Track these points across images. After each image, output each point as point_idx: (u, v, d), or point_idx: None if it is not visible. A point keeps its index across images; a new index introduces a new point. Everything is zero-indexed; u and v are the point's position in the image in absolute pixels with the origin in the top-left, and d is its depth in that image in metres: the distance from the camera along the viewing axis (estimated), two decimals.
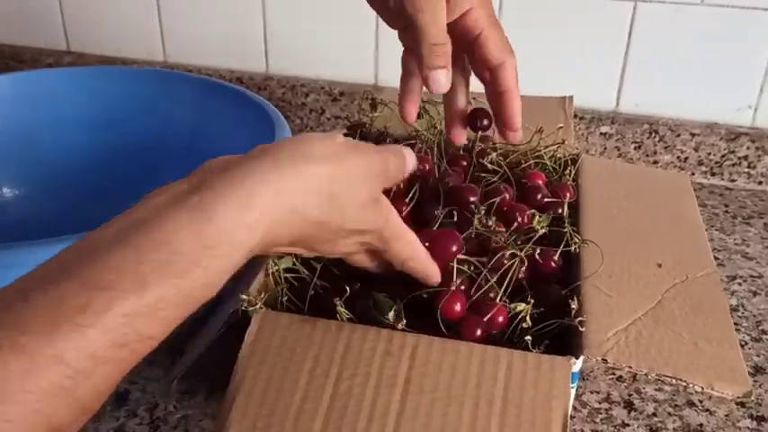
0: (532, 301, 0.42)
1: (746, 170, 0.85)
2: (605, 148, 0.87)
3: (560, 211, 0.51)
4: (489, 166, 0.55)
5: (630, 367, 0.38)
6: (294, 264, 0.45)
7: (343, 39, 0.92)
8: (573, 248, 0.47)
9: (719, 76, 0.82)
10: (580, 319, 0.41)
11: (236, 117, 0.65)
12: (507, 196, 0.51)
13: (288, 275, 0.46)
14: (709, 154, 0.85)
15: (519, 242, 0.47)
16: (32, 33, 1.03)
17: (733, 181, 0.85)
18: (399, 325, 0.41)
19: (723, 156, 0.85)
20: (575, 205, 0.53)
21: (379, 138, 0.61)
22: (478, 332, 0.41)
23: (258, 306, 0.42)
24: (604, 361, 0.39)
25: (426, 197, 0.49)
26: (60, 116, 0.68)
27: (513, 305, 0.42)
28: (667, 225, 0.52)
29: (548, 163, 0.58)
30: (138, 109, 0.69)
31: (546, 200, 0.51)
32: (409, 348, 0.39)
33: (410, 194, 0.48)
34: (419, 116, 0.59)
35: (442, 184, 0.50)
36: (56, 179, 0.68)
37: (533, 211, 0.49)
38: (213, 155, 0.65)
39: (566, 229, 0.47)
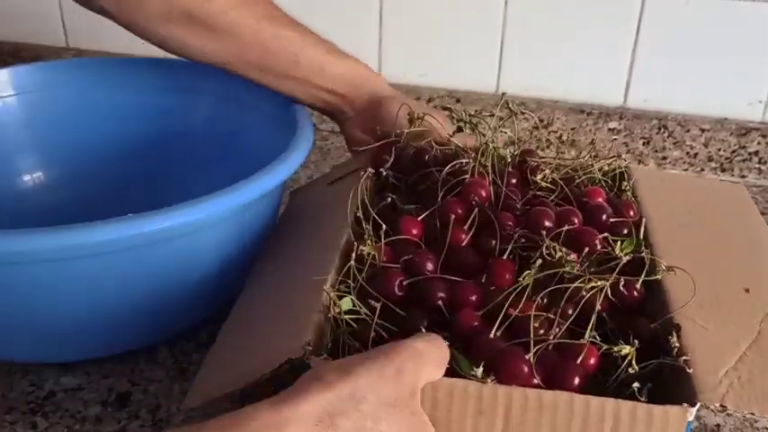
0: (636, 342, 0.38)
1: (757, 166, 0.83)
2: (613, 145, 0.85)
3: (625, 231, 0.47)
4: (543, 183, 0.51)
5: (753, 414, 0.34)
6: (354, 304, 0.42)
7: (345, 37, 0.91)
8: (659, 276, 0.42)
9: (729, 71, 0.81)
10: (685, 358, 0.36)
11: (260, 110, 0.65)
12: (577, 220, 0.46)
13: (347, 317, 0.41)
14: (720, 150, 0.83)
15: (591, 270, 0.42)
16: (33, 30, 1.02)
17: (743, 177, 0.84)
18: (489, 380, 0.36)
19: (733, 151, 0.83)
20: (636, 224, 0.47)
21: (418, 157, 0.54)
22: (577, 380, 0.36)
23: (324, 357, 0.38)
24: (723, 407, 0.34)
25: (486, 224, 0.45)
26: (87, 105, 0.68)
27: (613, 347, 0.37)
28: (741, 243, 0.48)
29: (600, 177, 0.54)
30: (167, 100, 0.69)
31: (611, 220, 0.47)
32: (502, 406, 0.35)
33: (468, 222, 0.45)
34: (459, 129, 0.57)
35: (505, 209, 0.46)
36: (81, 167, 0.68)
37: (605, 234, 0.45)
38: (236, 149, 0.65)
39: (642, 253, 0.43)
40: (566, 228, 0.44)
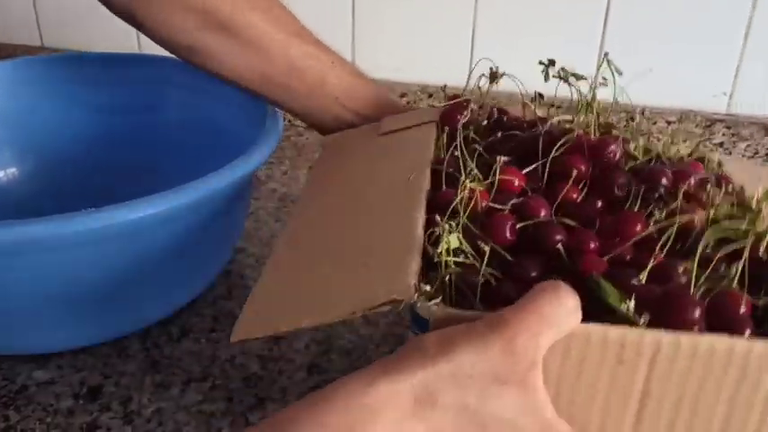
0: None
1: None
2: None
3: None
4: (635, 153, 0.48)
5: None
6: (461, 243, 0.37)
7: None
8: None
9: (695, 63, 0.83)
10: None
11: (231, 102, 0.66)
12: (692, 181, 0.43)
13: (453, 259, 0.36)
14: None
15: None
16: (7, 30, 1.02)
17: None
18: (642, 319, 0.33)
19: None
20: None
21: (500, 119, 0.52)
22: (747, 331, 0.33)
23: (436, 302, 0.34)
24: None
25: (597, 184, 0.44)
26: (60, 101, 0.69)
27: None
28: None
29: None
30: (140, 93, 0.70)
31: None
32: (648, 354, 0.32)
33: (584, 182, 0.44)
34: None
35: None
36: (54, 162, 0.69)
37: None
38: (209, 136, 0.65)
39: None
40: (687, 181, 0.42)
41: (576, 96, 0.50)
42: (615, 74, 0.48)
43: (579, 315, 0.33)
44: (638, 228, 0.39)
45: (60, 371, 0.53)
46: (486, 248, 0.36)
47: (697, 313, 0.33)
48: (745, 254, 0.35)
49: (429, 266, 0.37)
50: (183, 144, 0.69)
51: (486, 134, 0.51)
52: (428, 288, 0.35)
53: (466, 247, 0.37)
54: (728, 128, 0.84)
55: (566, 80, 0.50)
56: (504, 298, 0.35)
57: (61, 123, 0.68)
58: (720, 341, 0.31)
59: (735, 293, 0.34)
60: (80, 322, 0.52)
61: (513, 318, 0.32)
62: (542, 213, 0.40)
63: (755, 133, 0.84)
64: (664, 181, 0.43)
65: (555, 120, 0.50)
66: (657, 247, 0.37)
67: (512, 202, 0.41)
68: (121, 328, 0.56)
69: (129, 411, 0.50)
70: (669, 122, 0.84)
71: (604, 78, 0.49)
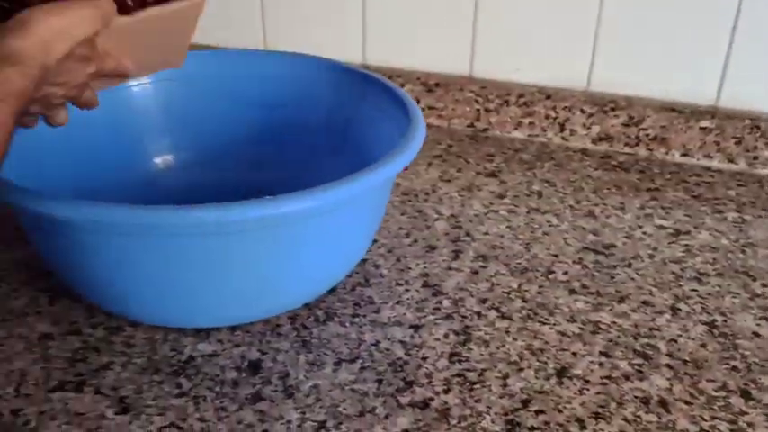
0: None
1: None
2: (704, 143, 0.87)
3: None
4: None
5: None
6: None
7: (439, 29, 0.94)
8: None
9: None
10: None
11: (379, 107, 0.68)
12: None
13: None
14: None
15: None
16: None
17: None
18: None
19: None
20: None
21: None
22: None
23: None
24: None
25: None
26: (218, 94, 0.74)
27: None
28: None
29: None
30: (299, 93, 0.74)
31: None
32: None
33: None
34: None
35: None
36: (208, 152, 0.74)
37: None
38: (354, 133, 0.69)
39: None
40: None
41: None
42: None
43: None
44: None
45: (221, 345, 0.57)
46: None
47: None
48: None
49: None
50: (329, 141, 0.72)
51: None
52: None
53: None
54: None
55: None
56: None
57: (218, 116, 0.72)
58: None
59: None
60: (240, 302, 0.56)
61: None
62: None
63: None
64: None
65: None
66: None
67: None
68: (273, 309, 0.59)
69: (288, 386, 0.53)
70: None
71: None
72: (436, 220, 0.76)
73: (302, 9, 0.98)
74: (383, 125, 0.66)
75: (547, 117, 0.92)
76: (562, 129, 0.92)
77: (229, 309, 0.56)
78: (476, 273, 0.67)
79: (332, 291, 0.64)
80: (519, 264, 0.69)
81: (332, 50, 0.99)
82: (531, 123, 0.93)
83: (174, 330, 0.58)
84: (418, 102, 0.96)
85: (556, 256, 0.70)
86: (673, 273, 0.68)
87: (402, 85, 0.96)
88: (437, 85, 0.95)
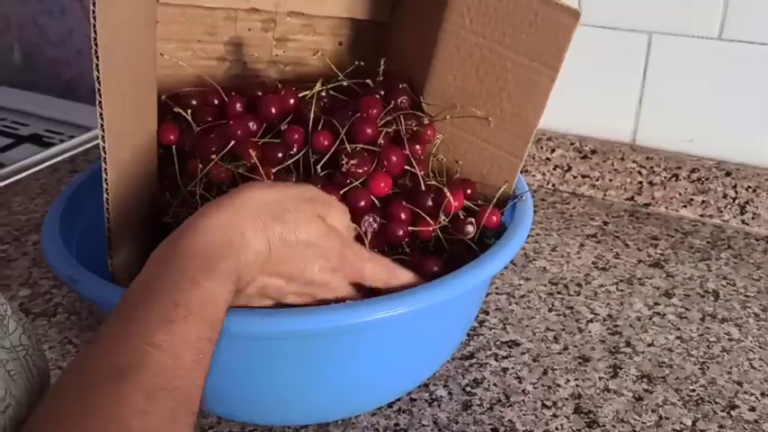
0: None
1: None
2: None
3: None
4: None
5: None
6: None
7: (598, 90, 0.83)
8: None
9: None
10: None
11: None
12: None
13: None
14: None
15: None
16: None
17: None
18: None
19: None
20: None
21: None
22: None
23: None
24: None
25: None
26: None
27: None
28: None
29: None
30: None
31: None
32: None
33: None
34: None
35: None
36: None
37: None
38: None
39: None
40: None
41: None
42: None
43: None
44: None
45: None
46: None
47: None
48: None
49: None
50: None
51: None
52: None
53: None
54: None
55: None
56: None
57: None
58: None
59: None
60: (331, 400, 0.52)
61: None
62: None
63: None
64: None
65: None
66: None
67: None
68: (396, 394, 0.56)
69: None
70: None
71: None
72: (590, 321, 0.65)
73: None
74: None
75: (724, 196, 0.79)
76: (742, 211, 0.79)
77: (320, 407, 0.52)
78: (639, 399, 0.56)
79: (467, 407, 0.55)
80: (693, 391, 0.57)
81: None
82: (704, 202, 0.81)
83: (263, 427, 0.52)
84: (569, 169, 0.86)
85: (739, 384, 0.58)
86: None
87: (552, 150, 0.87)
88: (593, 151, 0.85)
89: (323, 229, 0.44)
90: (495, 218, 0.53)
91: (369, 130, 0.52)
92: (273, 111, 0.53)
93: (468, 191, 0.55)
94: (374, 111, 0.53)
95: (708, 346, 0.62)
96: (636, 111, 0.82)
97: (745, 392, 0.57)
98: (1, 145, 1.01)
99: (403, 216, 0.51)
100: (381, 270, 0.47)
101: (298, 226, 0.42)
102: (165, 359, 0.33)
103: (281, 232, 0.41)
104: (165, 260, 0.38)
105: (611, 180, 0.85)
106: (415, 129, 0.55)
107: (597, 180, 0.85)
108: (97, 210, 0.58)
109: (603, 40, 0.80)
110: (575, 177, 0.87)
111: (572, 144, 0.85)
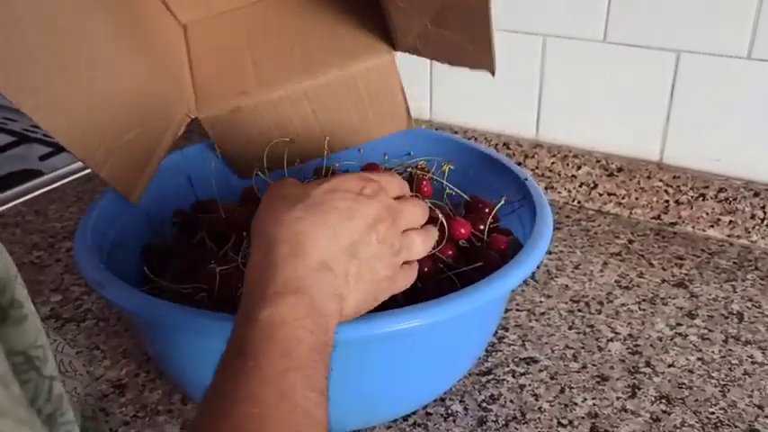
0: None
1: None
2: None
3: None
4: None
5: None
6: None
7: (626, 108, 0.83)
8: None
9: None
10: None
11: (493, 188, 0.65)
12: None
13: None
14: None
15: None
16: None
17: None
18: None
19: None
20: None
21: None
22: None
23: None
24: None
25: None
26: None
27: None
28: None
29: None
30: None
31: None
32: None
33: None
34: None
35: None
36: None
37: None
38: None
39: None
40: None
41: None
42: None
43: None
44: None
45: None
46: None
47: None
48: None
49: None
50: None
51: None
52: None
53: None
54: None
55: None
56: None
57: None
58: None
59: None
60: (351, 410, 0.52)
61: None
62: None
63: None
64: None
65: None
66: None
67: None
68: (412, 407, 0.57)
69: None
70: None
71: None
72: (610, 340, 0.65)
73: (472, 80, 0.91)
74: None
75: (752, 217, 0.78)
76: None
77: (335, 417, 0.52)
78: (657, 420, 0.56)
79: (482, 422, 0.55)
80: (712, 414, 0.56)
81: (504, 124, 0.91)
82: (731, 222, 0.80)
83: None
84: (595, 186, 0.86)
85: (760, 408, 0.57)
86: None
87: (578, 167, 0.87)
88: (620, 169, 0.84)
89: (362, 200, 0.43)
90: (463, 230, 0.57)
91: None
92: None
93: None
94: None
95: (729, 369, 0.61)
96: (663, 129, 0.82)
97: (766, 417, 0.56)
98: (41, 153, 1.04)
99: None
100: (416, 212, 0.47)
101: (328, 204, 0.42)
102: (249, 409, 0.32)
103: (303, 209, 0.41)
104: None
105: (637, 198, 0.84)
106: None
107: (623, 198, 0.85)
108: (129, 218, 0.60)
109: (631, 57, 0.80)
110: (600, 195, 0.87)
111: (598, 161, 0.85)
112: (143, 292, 0.49)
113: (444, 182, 0.63)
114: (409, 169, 0.64)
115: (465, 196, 0.63)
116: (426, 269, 0.54)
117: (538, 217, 0.57)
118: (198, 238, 0.60)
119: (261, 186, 0.61)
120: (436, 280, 0.54)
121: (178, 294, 0.53)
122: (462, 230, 0.57)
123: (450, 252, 0.56)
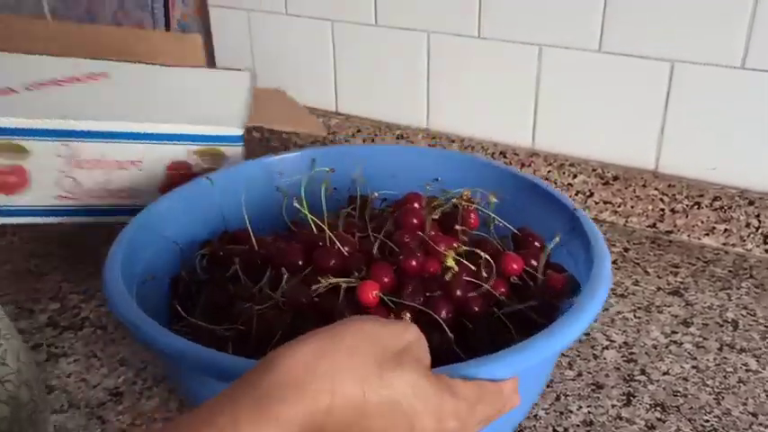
0: None
1: None
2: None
3: None
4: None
5: None
6: None
7: (621, 117, 0.84)
8: None
9: None
10: None
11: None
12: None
13: None
14: None
15: None
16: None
17: None
18: None
19: None
20: None
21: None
22: None
23: None
24: None
25: None
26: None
27: None
28: None
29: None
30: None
31: None
32: None
33: None
34: None
35: None
36: None
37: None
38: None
39: None
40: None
41: None
42: None
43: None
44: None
45: None
46: None
47: None
48: None
49: None
50: None
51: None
52: None
53: None
54: None
55: None
56: None
57: None
58: None
59: None
60: None
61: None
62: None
63: None
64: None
65: None
66: None
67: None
68: None
69: None
70: None
71: None
72: (605, 348, 0.65)
73: (470, 90, 0.92)
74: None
75: (747, 225, 0.79)
76: (766, 240, 0.78)
77: None
78: (652, 428, 0.56)
79: None
80: (707, 422, 0.57)
81: (501, 133, 0.92)
82: (726, 231, 0.80)
83: None
84: (591, 195, 0.87)
85: (754, 415, 0.57)
86: None
87: (575, 176, 0.87)
88: (616, 178, 0.85)
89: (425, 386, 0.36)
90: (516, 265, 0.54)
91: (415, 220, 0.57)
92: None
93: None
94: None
95: (724, 377, 0.61)
96: (658, 138, 0.82)
97: (761, 424, 0.56)
98: None
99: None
100: (492, 400, 0.40)
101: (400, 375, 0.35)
102: None
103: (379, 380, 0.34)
104: (227, 393, 0.32)
105: (632, 207, 0.85)
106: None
107: (619, 206, 0.85)
108: (158, 248, 0.60)
109: (627, 67, 0.80)
110: (596, 203, 0.87)
111: (594, 170, 0.86)
112: (186, 338, 0.45)
113: (491, 213, 0.60)
114: (453, 200, 0.61)
115: (512, 228, 0.59)
116: (477, 308, 0.50)
117: (596, 258, 0.52)
118: (231, 271, 0.56)
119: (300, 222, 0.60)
120: (487, 321, 0.51)
121: (212, 334, 0.50)
122: (515, 266, 0.53)
123: (503, 289, 0.52)
